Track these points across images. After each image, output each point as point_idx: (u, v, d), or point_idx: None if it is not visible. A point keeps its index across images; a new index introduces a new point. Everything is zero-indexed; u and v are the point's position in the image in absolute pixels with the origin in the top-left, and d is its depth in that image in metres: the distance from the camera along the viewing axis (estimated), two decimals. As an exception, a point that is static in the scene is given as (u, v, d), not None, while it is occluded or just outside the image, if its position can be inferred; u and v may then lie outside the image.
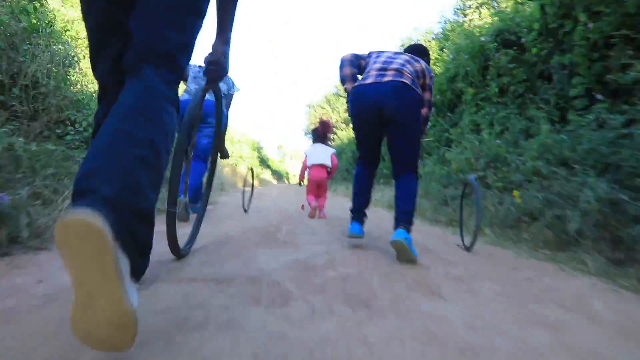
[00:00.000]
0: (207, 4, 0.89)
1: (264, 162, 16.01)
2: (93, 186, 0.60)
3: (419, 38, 8.78)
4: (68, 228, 0.52)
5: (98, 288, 0.54)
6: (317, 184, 3.37)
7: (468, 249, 1.93)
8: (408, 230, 1.60)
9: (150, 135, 0.70)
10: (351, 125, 1.97)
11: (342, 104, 17.16)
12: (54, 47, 3.04)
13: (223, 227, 2.29)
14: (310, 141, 3.84)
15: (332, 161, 3.42)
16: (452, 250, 1.99)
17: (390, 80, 1.65)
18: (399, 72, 1.69)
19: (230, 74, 3.05)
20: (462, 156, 3.63)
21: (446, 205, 3.40)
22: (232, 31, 1.10)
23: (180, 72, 0.84)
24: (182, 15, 0.82)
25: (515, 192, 2.18)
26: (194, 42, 0.88)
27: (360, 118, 1.78)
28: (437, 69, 5.98)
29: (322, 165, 3.37)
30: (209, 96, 2.61)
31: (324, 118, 4.10)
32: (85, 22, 0.87)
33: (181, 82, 1.20)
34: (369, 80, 1.71)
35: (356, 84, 1.79)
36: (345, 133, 13.43)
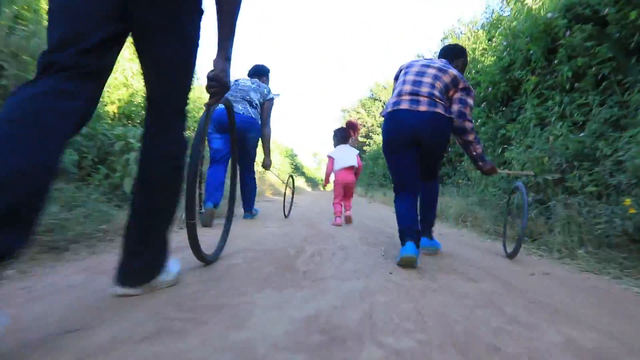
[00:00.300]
0: None
1: (298, 169, 15.79)
2: None
3: (463, 30, 8.05)
4: None
5: None
6: (346, 187, 3.25)
7: (510, 256, 1.88)
8: (430, 237, 1.93)
9: None
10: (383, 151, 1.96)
11: (377, 108, 16.61)
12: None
13: (229, 247, 1.66)
14: (331, 144, 3.52)
15: (357, 162, 3.32)
16: (523, 275, 1.45)
17: (426, 112, 1.70)
18: (431, 99, 1.72)
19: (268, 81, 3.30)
20: (525, 155, 2.98)
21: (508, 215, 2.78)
22: (232, 48, 1.11)
23: None
24: None
25: (628, 200, 1.57)
26: None
27: (396, 142, 1.79)
28: (486, 60, 5.31)
29: (350, 167, 3.26)
30: (250, 111, 2.86)
31: (352, 119, 3.76)
32: None
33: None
34: (403, 106, 1.74)
35: (389, 108, 1.80)
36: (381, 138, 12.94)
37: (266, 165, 3.28)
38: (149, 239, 0.99)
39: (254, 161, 3.19)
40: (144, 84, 0.99)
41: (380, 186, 9.59)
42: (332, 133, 3.47)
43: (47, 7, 0.82)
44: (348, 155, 3.30)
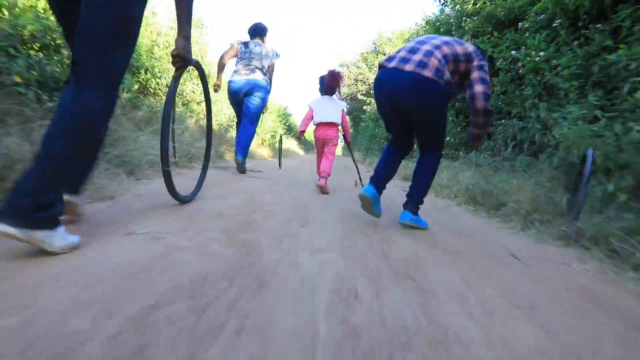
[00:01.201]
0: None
1: (292, 130, 14.60)
2: None
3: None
4: None
5: None
6: (324, 143, 2.88)
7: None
8: (414, 212, 1.72)
9: None
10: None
11: None
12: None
13: (179, 246, 1.12)
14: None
15: (343, 119, 2.92)
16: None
17: (411, 72, 1.54)
18: (424, 60, 1.55)
19: (270, 42, 3.83)
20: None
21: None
22: (190, 28, 1.34)
23: None
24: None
25: None
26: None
27: (380, 107, 1.76)
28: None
29: (332, 124, 2.85)
30: (257, 77, 3.39)
31: (335, 70, 3.03)
32: None
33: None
34: (392, 64, 1.62)
35: (381, 61, 1.70)
36: None
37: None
38: (43, 181, 0.95)
39: (258, 116, 3.55)
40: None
41: (382, 151, 8.51)
42: (318, 81, 3.02)
43: None
44: (330, 109, 2.84)
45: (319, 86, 2.99)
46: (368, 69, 15.81)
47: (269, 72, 3.54)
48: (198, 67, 1.76)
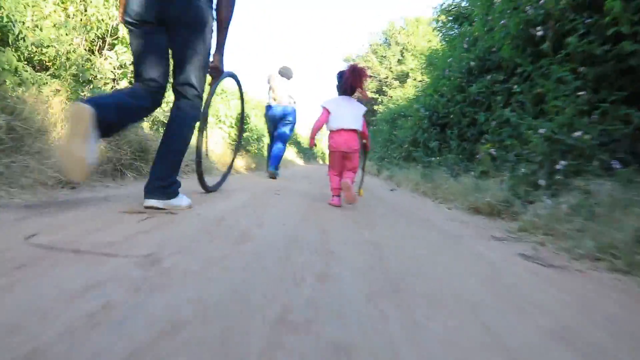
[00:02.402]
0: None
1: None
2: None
3: None
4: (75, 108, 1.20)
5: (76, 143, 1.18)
6: (345, 157, 2.25)
7: None
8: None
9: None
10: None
11: (393, 54, 14.00)
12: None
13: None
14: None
15: (363, 125, 2.33)
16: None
17: None
18: None
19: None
20: None
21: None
22: (225, 47, 1.73)
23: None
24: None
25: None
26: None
27: None
28: None
29: (352, 131, 2.25)
30: (288, 105, 4.35)
31: (357, 64, 2.48)
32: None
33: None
34: None
35: None
36: (399, 92, 10.87)
37: None
38: (168, 170, 1.50)
39: (289, 138, 4.50)
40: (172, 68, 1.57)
41: (405, 160, 6.26)
42: (336, 78, 2.46)
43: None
44: (351, 112, 2.27)
45: (337, 83, 2.42)
46: (379, 62, 14.66)
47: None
48: (234, 77, 2.26)
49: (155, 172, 1.45)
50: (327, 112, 2.26)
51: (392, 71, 13.19)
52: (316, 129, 2.36)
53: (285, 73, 4.41)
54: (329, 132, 2.32)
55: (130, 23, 1.42)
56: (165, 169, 1.47)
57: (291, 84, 4.44)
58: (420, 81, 9.70)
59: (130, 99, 1.39)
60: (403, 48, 12.60)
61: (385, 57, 14.10)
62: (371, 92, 13.32)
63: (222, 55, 1.73)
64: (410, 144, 6.30)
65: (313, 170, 8.51)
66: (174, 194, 1.49)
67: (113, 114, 1.29)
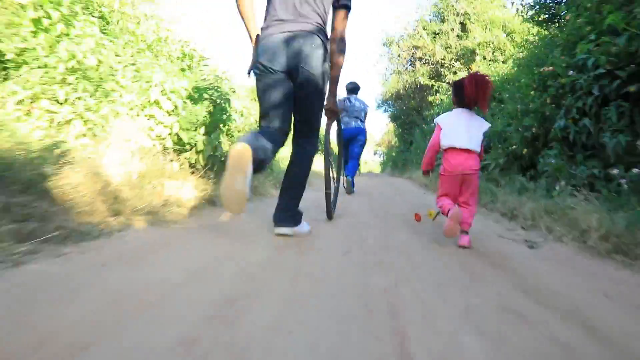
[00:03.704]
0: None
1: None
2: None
3: None
4: (237, 147, 1.40)
5: (236, 179, 1.38)
6: (463, 181, 1.88)
7: None
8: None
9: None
10: None
11: (452, 28, 9.80)
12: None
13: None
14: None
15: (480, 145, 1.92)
16: None
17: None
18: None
19: (361, 94, 5.09)
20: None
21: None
22: (337, 90, 1.91)
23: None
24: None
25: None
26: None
27: None
28: None
29: (470, 152, 1.86)
30: (358, 123, 4.54)
31: (478, 73, 1.94)
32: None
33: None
34: None
35: None
36: (465, 74, 8.00)
37: None
38: (292, 200, 1.78)
39: (361, 155, 4.71)
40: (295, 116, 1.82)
41: (507, 170, 4.23)
42: (452, 88, 2.10)
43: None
44: (471, 130, 1.89)
45: (453, 97, 2.06)
46: (431, 40, 10.50)
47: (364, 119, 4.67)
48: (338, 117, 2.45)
49: (282, 204, 1.76)
50: (439, 129, 1.97)
51: (450, 50, 10.20)
52: (429, 152, 2.06)
53: (353, 88, 4.66)
54: (442, 150, 1.96)
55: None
56: (291, 199, 1.78)
57: (360, 99, 4.64)
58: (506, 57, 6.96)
59: (268, 140, 1.63)
60: (465, 19, 9.67)
61: (439, 33, 10.99)
62: (425, 78, 10.69)
63: (335, 97, 1.91)
64: (525, 141, 3.21)
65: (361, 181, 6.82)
66: (298, 221, 1.80)
67: (262, 153, 1.53)
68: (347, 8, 1.75)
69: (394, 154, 17.68)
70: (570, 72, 2.79)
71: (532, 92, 3.56)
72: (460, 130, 1.89)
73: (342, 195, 3.93)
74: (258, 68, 1.64)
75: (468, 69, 8.46)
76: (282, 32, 1.61)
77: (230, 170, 1.36)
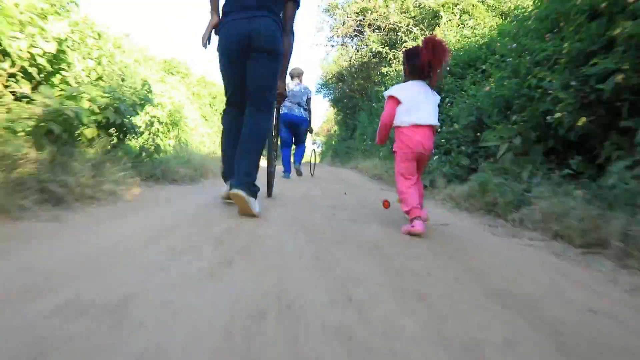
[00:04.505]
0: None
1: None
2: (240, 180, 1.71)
3: None
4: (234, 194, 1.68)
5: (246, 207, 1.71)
6: (420, 158, 1.79)
7: None
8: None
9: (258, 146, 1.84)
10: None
11: None
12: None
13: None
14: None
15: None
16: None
17: None
18: None
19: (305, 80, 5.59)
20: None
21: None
22: (286, 76, 2.10)
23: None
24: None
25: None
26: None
27: None
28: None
29: (431, 129, 1.77)
30: (301, 111, 4.63)
31: (433, 37, 1.79)
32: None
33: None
34: None
35: None
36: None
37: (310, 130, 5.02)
38: (250, 167, 1.79)
39: (305, 140, 4.97)
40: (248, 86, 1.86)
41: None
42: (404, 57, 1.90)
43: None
44: (427, 103, 1.77)
45: (406, 67, 1.86)
46: (384, 2, 8.67)
47: (307, 104, 4.76)
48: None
49: (241, 167, 1.76)
50: (394, 101, 1.80)
51: (408, 15, 8.67)
52: (386, 126, 1.87)
53: (295, 74, 4.68)
54: (395, 127, 1.81)
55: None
56: (250, 165, 1.79)
57: (302, 84, 4.71)
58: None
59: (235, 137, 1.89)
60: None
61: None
62: (377, 45, 9.10)
63: (284, 82, 2.05)
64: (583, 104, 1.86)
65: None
66: (255, 193, 1.78)
67: (254, 172, 1.79)
68: (296, 2, 1.91)
69: (333, 142, 16.36)
70: None
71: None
72: (421, 105, 1.75)
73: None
74: (223, 51, 1.82)
75: (430, 32, 7.11)
76: (243, 17, 1.74)
77: (239, 206, 1.74)
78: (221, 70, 1.86)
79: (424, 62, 1.73)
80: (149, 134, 3.71)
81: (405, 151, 1.75)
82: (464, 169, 3.28)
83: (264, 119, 1.86)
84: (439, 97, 1.85)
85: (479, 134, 3.13)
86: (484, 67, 3.31)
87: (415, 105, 1.75)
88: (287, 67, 2.01)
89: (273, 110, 2.03)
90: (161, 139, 4.19)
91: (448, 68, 4.58)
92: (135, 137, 3.14)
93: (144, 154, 3.07)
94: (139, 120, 3.81)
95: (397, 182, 1.80)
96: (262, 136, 1.83)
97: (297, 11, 1.94)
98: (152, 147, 3.25)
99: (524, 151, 2.54)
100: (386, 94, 1.86)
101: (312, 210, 2.19)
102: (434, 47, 1.70)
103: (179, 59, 10.30)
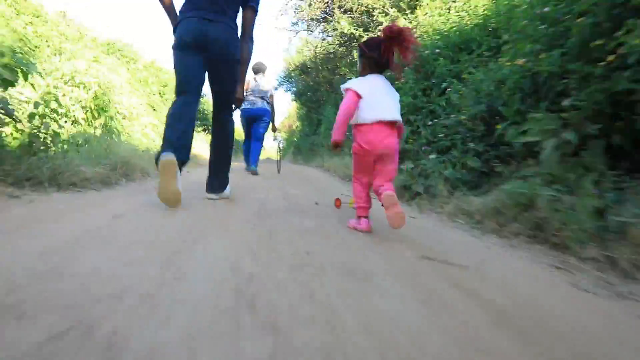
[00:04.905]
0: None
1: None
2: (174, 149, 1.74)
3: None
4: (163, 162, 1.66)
5: (170, 182, 1.64)
6: (380, 158, 1.62)
7: None
8: None
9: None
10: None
11: None
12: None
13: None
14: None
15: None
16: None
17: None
18: None
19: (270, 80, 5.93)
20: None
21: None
22: (245, 81, 2.19)
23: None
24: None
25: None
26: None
27: None
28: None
29: (393, 126, 1.62)
30: (264, 104, 4.65)
31: (394, 25, 1.57)
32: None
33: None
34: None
35: None
36: (422, 19, 5.80)
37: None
38: (220, 171, 2.10)
39: (263, 137, 4.86)
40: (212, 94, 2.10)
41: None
42: (360, 49, 1.76)
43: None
44: (388, 98, 1.65)
45: (363, 58, 1.71)
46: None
47: (270, 100, 4.76)
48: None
49: (212, 172, 2.11)
50: (354, 95, 1.61)
51: None
52: (343, 122, 1.64)
53: (258, 69, 4.71)
54: (354, 125, 1.67)
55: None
56: (220, 169, 2.12)
57: (266, 78, 4.74)
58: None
59: (185, 122, 1.89)
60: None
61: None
62: (349, 27, 8.17)
63: (243, 86, 2.14)
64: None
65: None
66: (225, 186, 2.14)
67: (185, 152, 1.82)
68: (254, 10, 2.01)
69: (295, 138, 15.39)
70: None
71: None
72: (383, 100, 1.63)
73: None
74: (179, 43, 1.86)
75: (408, 15, 6.37)
76: (200, 17, 1.82)
77: (163, 177, 1.64)
78: (175, 66, 1.89)
79: (384, 53, 1.62)
80: (39, 118, 2.54)
81: (367, 151, 1.61)
82: (473, 172, 2.54)
83: (230, 122, 2.14)
84: (397, 94, 1.72)
85: (494, 126, 2.39)
86: (503, 39, 2.58)
87: (378, 100, 1.62)
88: (246, 73, 2.14)
89: (232, 113, 2.21)
90: (61, 126, 3.04)
91: (418, 58, 3.89)
92: (14, 122, 2.07)
93: (34, 145, 2.05)
94: (22, 97, 2.69)
95: (355, 186, 1.74)
96: (230, 142, 2.14)
97: (256, 17, 2.06)
98: (46, 137, 2.20)
99: (573, 151, 1.83)
100: (344, 86, 1.69)
101: (270, 247, 1.25)
102: (398, 36, 1.57)
103: (125, 42, 8.99)
